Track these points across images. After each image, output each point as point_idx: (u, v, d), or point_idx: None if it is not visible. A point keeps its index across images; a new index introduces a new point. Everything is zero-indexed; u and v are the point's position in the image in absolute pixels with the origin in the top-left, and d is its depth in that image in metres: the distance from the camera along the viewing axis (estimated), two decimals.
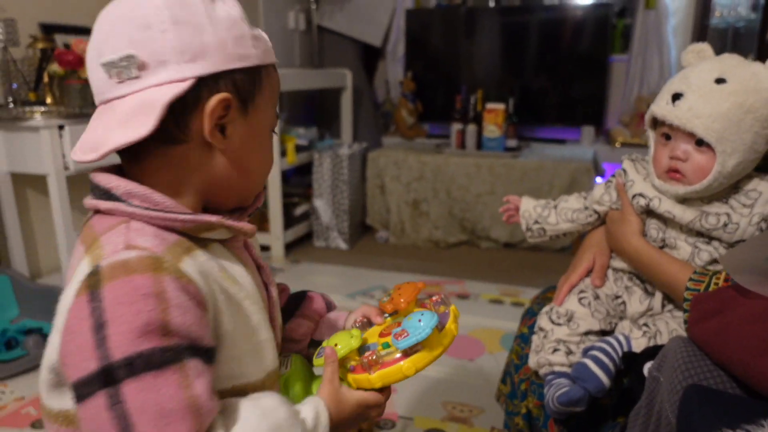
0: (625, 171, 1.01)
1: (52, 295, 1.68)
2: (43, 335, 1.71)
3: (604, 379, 0.89)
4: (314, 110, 3.70)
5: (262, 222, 2.76)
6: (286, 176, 3.15)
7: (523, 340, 1.05)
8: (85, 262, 0.49)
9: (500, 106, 2.85)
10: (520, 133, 3.08)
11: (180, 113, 0.52)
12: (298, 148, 2.79)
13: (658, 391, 0.79)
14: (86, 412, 0.46)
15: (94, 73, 0.53)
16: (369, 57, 3.82)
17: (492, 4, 4.11)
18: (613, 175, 1.05)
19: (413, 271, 2.50)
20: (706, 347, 0.74)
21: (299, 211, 2.96)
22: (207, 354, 0.50)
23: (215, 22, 0.53)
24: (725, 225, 0.88)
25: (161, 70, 0.51)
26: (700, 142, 0.88)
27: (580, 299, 1.00)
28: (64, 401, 0.52)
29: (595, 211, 1.07)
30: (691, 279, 0.86)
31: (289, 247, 2.79)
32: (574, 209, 1.09)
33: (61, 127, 1.68)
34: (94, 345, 0.45)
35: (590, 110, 3.29)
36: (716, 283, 0.83)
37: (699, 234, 0.92)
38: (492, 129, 2.86)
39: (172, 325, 0.47)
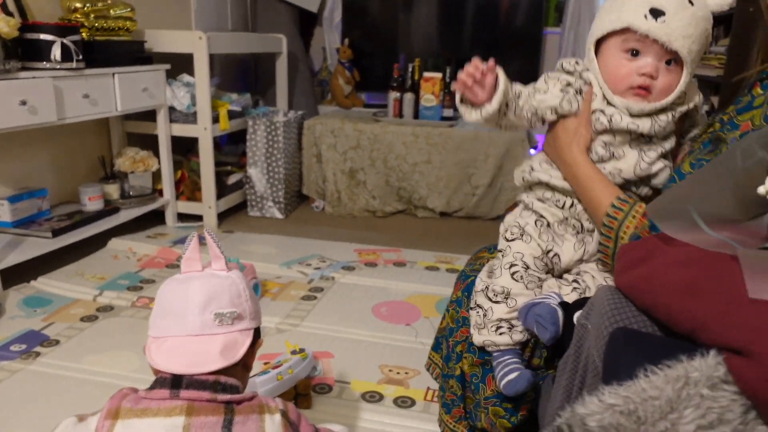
0: (590, 83, 0.96)
1: None
2: None
3: (552, 330, 0.91)
4: (248, 76, 3.59)
5: (193, 191, 2.67)
6: (219, 144, 3.05)
7: (458, 304, 1.06)
8: (267, 417, 0.80)
9: (437, 76, 2.85)
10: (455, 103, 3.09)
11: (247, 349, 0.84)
12: (231, 115, 2.70)
13: (586, 339, 0.81)
14: None
15: (200, 316, 0.80)
16: (305, 23, 3.72)
17: None
18: (569, 83, 0.98)
19: (350, 240, 2.48)
20: (632, 294, 0.76)
21: (233, 179, 2.88)
22: None
23: (255, 297, 0.89)
24: (672, 118, 0.93)
25: (244, 323, 0.83)
26: (670, 61, 0.89)
27: (512, 274, 0.99)
28: None
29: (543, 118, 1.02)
30: (612, 205, 0.89)
31: (222, 217, 2.71)
32: (548, 106, 1.00)
33: None
34: None
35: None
36: (635, 215, 0.86)
37: (642, 138, 0.94)
38: (429, 98, 2.86)
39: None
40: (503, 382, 0.94)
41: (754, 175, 0.66)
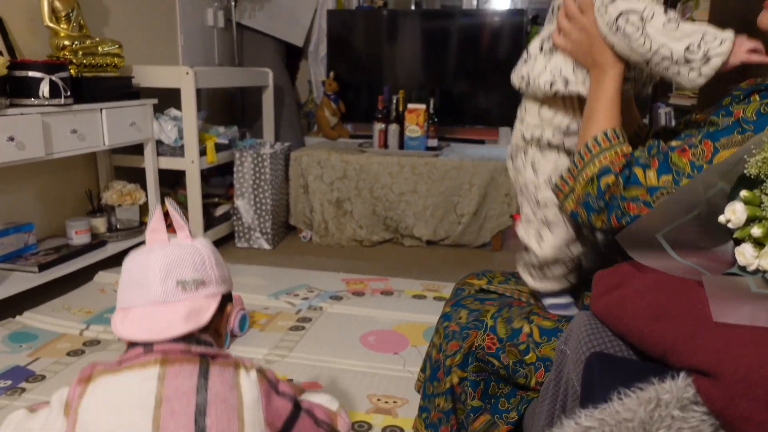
0: None
1: None
2: None
3: None
4: (235, 109, 3.64)
5: None
6: (206, 176, 3.07)
7: (445, 318, 1.08)
8: (244, 371, 0.82)
9: (421, 107, 2.91)
10: (440, 133, 3.15)
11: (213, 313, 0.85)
12: (218, 147, 2.73)
13: (565, 363, 0.84)
14: (299, 428, 0.88)
15: (162, 284, 0.81)
16: (291, 57, 3.79)
17: (413, 7, 4.20)
18: None
19: (337, 270, 2.50)
20: (607, 319, 0.79)
21: (220, 211, 2.90)
22: None
23: (224, 264, 0.91)
24: None
25: (209, 288, 0.85)
26: None
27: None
28: None
29: None
30: (586, 144, 0.88)
31: None
32: None
33: None
34: (283, 399, 0.87)
35: (507, 112, 3.41)
36: (617, 151, 0.85)
37: None
38: (413, 129, 2.91)
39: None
40: (555, 310, 1.04)
41: (715, 205, 0.70)
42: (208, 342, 0.83)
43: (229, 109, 3.60)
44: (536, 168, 1.01)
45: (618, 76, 0.89)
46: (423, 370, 1.29)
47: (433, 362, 1.13)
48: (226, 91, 3.53)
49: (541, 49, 0.98)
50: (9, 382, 1.57)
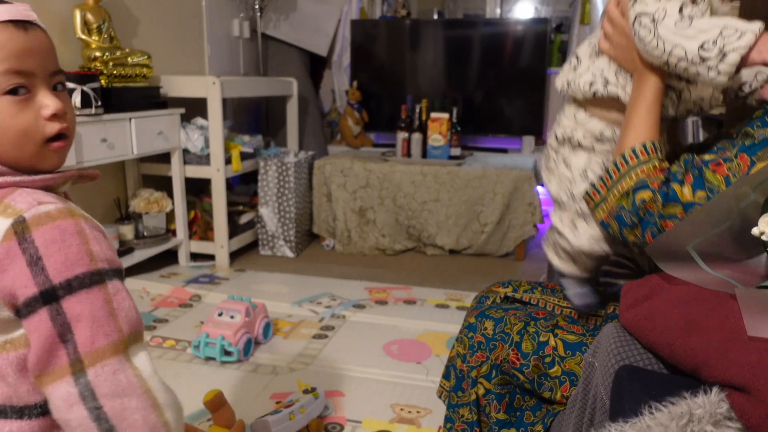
0: None
1: None
2: None
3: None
4: (260, 118, 3.68)
5: (206, 231, 2.72)
6: (231, 184, 3.11)
7: (470, 329, 1.08)
8: (1, 218, 0.60)
9: (444, 116, 2.92)
10: (463, 142, 3.15)
11: None
12: (243, 156, 2.76)
13: (593, 376, 0.83)
14: (31, 325, 0.59)
15: None
16: (315, 66, 3.83)
17: (435, 16, 4.21)
18: None
19: (360, 278, 2.51)
20: (636, 331, 0.78)
21: (244, 219, 2.93)
22: (121, 273, 0.65)
23: None
24: None
25: None
26: None
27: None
28: (11, 330, 0.62)
29: None
30: (644, 146, 0.85)
31: (234, 256, 2.75)
32: None
33: None
34: (30, 274, 0.58)
35: (530, 121, 3.40)
36: (655, 165, 0.83)
37: None
38: (436, 138, 2.92)
39: (95, 253, 0.62)
40: (579, 302, 1.05)
41: (748, 217, 0.69)
42: None
43: (253, 118, 3.64)
44: (568, 163, 1.01)
45: (657, 84, 0.87)
46: (446, 377, 1.29)
47: (457, 372, 1.12)
48: (251, 101, 3.58)
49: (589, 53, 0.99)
50: None
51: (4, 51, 0.63)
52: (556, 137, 1.03)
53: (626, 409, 0.67)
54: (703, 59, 0.77)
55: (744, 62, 0.76)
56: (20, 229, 0.59)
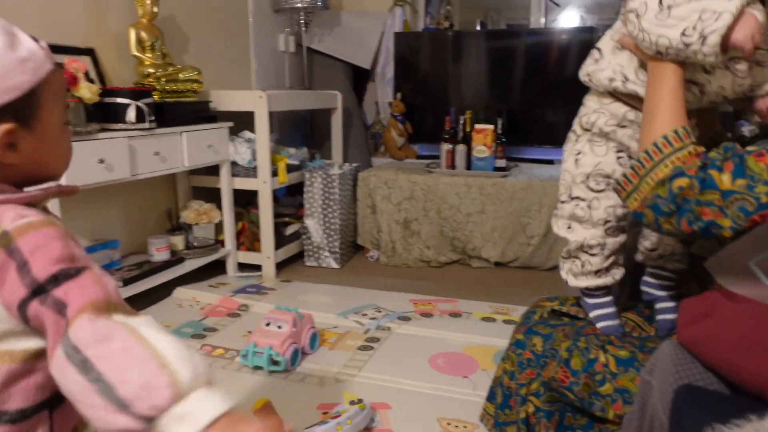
0: None
1: None
2: None
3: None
4: (305, 131, 3.73)
5: (253, 242, 2.77)
6: (277, 196, 3.16)
7: (518, 346, 1.06)
8: None
9: (489, 127, 2.90)
10: (507, 153, 3.12)
11: None
12: (289, 168, 2.81)
13: (651, 395, 0.81)
14: (36, 321, 0.61)
15: None
16: (358, 79, 3.87)
17: (478, 27, 4.21)
18: None
19: (405, 290, 2.50)
20: (695, 350, 0.76)
21: (290, 230, 2.97)
22: None
23: None
24: None
25: None
26: None
27: (606, 230, 1.04)
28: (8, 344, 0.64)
29: None
30: (676, 132, 0.84)
31: (280, 266, 2.79)
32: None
33: None
34: (19, 279, 0.60)
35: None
36: (690, 151, 0.82)
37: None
38: (481, 149, 2.90)
39: (75, 254, 0.64)
40: (600, 324, 1.04)
41: None
42: None
43: (299, 131, 3.70)
44: (578, 159, 1.04)
45: (676, 70, 0.87)
46: (490, 398, 1.27)
47: (504, 389, 1.11)
48: (296, 114, 3.64)
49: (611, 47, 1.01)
50: None
51: (62, 90, 0.73)
52: (580, 124, 1.06)
53: (687, 430, 0.65)
54: (686, 45, 0.81)
55: (726, 41, 0.79)
56: (6, 241, 0.61)
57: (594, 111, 1.02)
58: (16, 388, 0.64)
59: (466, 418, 1.53)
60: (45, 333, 0.61)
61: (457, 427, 1.49)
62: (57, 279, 0.61)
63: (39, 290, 0.60)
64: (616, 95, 1.00)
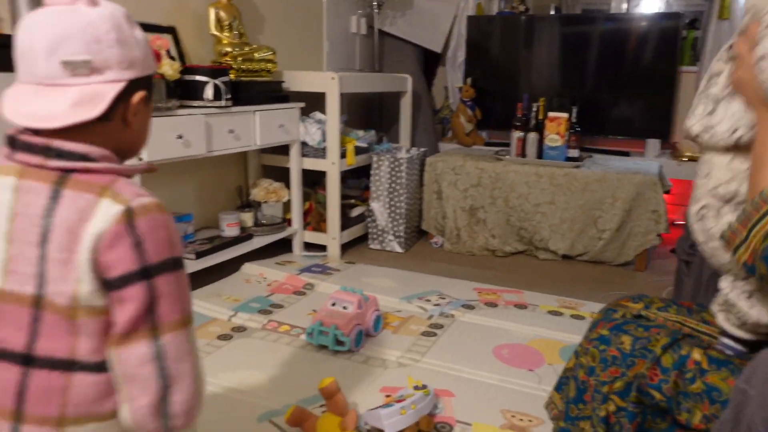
0: None
1: None
2: None
3: None
4: (373, 114, 3.73)
5: (319, 222, 2.80)
6: (343, 178, 3.17)
7: (602, 341, 1.02)
8: (106, 202, 0.70)
9: (563, 115, 2.80)
10: (582, 143, 3.02)
11: (115, 102, 0.73)
12: (357, 150, 2.81)
13: (747, 405, 0.76)
14: (127, 295, 0.69)
15: (45, 62, 0.70)
16: (428, 62, 3.83)
17: (552, 12, 4.07)
18: None
19: (469, 278, 2.47)
20: None
21: (355, 212, 2.98)
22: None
23: (138, 42, 0.76)
24: None
25: (107, 73, 0.72)
26: None
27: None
28: (104, 299, 0.71)
29: None
30: (762, 193, 0.78)
31: (345, 248, 2.81)
32: None
33: None
34: (133, 254, 0.69)
35: (656, 123, 3.20)
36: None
37: None
38: (554, 138, 2.82)
39: (175, 243, 0.74)
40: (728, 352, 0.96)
41: None
42: (76, 154, 0.71)
43: (367, 113, 3.70)
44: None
45: None
46: (558, 388, 1.24)
47: (579, 383, 1.07)
48: (365, 96, 3.64)
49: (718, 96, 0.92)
50: None
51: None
52: (714, 195, 0.93)
53: None
54: None
55: None
56: (129, 217, 0.70)
57: (728, 180, 0.92)
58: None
59: (531, 411, 1.50)
60: (120, 303, 0.70)
61: (521, 420, 1.46)
62: (161, 268, 0.71)
63: (147, 273, 0.70)
64: (741, 155, 0.90)
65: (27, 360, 0.70)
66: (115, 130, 0.76)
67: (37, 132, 0.72)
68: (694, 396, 0.91)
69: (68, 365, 0.70)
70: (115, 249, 0.69)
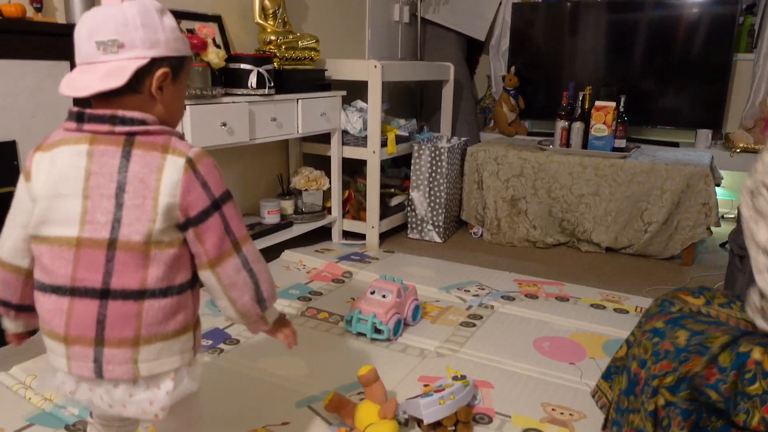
0: None
1: None
2: None
3: None
4: (414, 102, 3.70)
5: (358, 210, 2.80)
6: (383, 167, 3.17)
7: (656, 334, 0.99)
8: (172, 157, 0.85)
9: (611, 104, 2.73)
10: (628, 134, 2.94)
11: (140, 76, 0.86)
12: (398, 139, 2.80)
13: None
14: (208, 225, 0.87)
15: (86, 44, 0.85)
16: (471, 51, 3.77)
17: None
18: None
19: (508, 269, 2.44)
20: None
21: (395, 201, 2.97)
22: None
23: (164, 27, 0.88)
24: None
25: (132, 51, 0.85)
26: None
27: None
28: (171, 235, 0.86)
29: None
30: None
31: (383, 237, 2.81)
32: None
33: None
34: (204, 193, 0.86)
35: (707, 113, 3.08)
36: None
37: None
38: (600, 128, 2.74)
39: (223, 179, 0.90)
40: None
41: None
42: (136, 119, 0.86)
43: (408, 102, 3.68)
44: None
45: None
46: (606, 377, 1.21)
47: (631, 375, 1.04)
48: (406, 85, 3.61)
49: None
50: (210, 342, 1.75)
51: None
52: None
53: None
54: None
55: None
56: (192, 165, 0.86)
57: None
58: (178, 266, 0.87)
59: (572, 405, 1.47)
60: (203, 234, 0.87)
61: (562, 414, 1.44)
62: (223, 198, 0.88)
63: (216, 204, 0.87)
64: None
65: (104, 294, 0.83)
66: (145, 102, 0.88)
67: (95, 104, 0.87)
68: (753, 398, 0.87)
69: (139, 294, 0.84)
70: (191, 193, 0.85)
